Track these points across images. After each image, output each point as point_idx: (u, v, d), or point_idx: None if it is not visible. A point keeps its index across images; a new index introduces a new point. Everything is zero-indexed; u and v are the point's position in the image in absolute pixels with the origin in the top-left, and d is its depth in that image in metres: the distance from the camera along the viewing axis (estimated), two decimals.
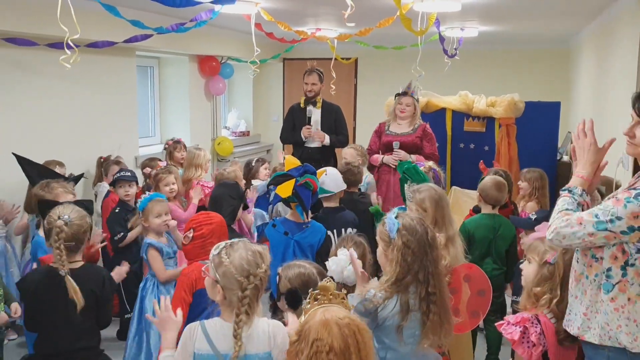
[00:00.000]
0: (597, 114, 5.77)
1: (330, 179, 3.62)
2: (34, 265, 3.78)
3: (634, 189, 2.08)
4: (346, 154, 4.97)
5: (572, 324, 2.22)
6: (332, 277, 2.23)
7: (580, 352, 2.38)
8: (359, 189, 4.13)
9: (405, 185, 3.35)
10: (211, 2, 3.59)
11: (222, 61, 7.55)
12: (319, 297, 1.88)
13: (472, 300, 2.85)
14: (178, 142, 5.68)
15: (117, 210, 4.23)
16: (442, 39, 5.15)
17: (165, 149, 5.80)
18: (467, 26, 6.34)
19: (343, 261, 2.54)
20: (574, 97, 7.76)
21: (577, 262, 2.22)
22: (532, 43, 8.30)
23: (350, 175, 3.96)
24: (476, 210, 4.04)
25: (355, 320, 1.71)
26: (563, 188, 2.28)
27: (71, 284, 2.63)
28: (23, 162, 4.03)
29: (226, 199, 3.70)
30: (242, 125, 8.74)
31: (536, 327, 2.36)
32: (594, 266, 2.15)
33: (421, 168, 3.73)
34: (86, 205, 2.83)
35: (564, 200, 2.21)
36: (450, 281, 2.83)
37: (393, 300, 2.28)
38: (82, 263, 2.78)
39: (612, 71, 5.18)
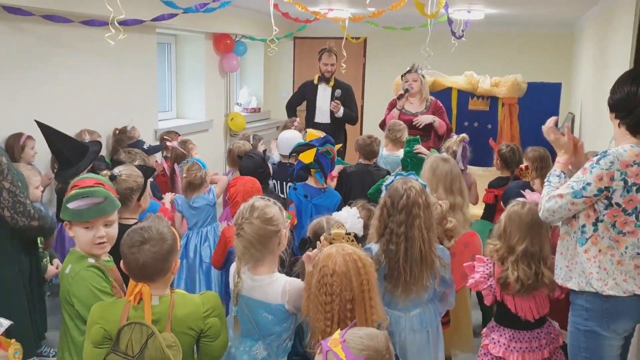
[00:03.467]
0: (595, 95, 6.04)
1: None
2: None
3: (596, 155, 2.42)
4: None
5: (559, 276, 2.56)
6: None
7: (560, 308, 2.73)
8: (374, 162, 4.42)
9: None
10: None
11: (236, 39, 7.77)
12: (332, 241, 2.16)
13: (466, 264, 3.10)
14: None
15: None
16: (450, 21, 5.39)
17: None
18: (473, 9, 6.51)
19: (354, 210, 2.68)
20: (574, 79, 7.97)
21: (562, 224, 2.56)
22: (536, 26, 8.44)
23: (376, 146, 4.28)
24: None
25: (358, 252, 1.99)
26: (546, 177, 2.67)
27: None
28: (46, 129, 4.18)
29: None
30: (253, 102, 8.98)
31: (487, 269, 2.70)
32: (573, 224, 2.50)
33: (454, 138, 4.05)
34: (145, 169, 2.95)
35: (545, 189, 2.58)
36: (453, 245, 3.07)
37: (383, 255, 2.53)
38: (135, 220, 2.84)
39: (610, 55, 5.40)
